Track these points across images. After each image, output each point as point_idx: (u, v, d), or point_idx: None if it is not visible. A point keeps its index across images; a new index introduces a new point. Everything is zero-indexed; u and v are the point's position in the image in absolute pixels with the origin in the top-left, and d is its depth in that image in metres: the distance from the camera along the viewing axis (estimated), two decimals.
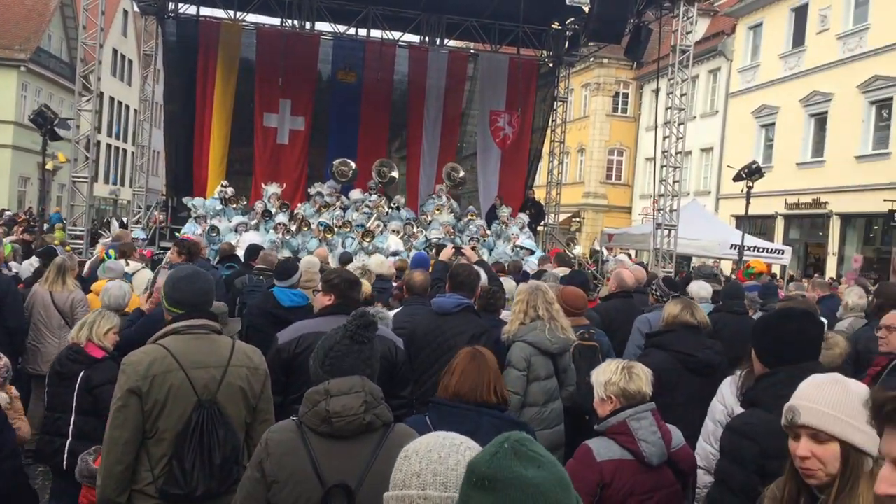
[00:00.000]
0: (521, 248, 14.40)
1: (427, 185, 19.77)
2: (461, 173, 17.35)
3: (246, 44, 19.19)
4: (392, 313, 6.06)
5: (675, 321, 4.86)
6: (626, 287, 6.89)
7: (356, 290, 4.51)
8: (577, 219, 39.90)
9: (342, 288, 4.42)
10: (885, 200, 21.63)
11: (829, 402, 2.18)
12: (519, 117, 20.31)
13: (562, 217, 35.03)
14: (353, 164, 17.54)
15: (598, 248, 22.28)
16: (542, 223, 20.59)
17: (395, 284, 7.74)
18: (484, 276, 6.50)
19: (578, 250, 24.50)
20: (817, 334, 3.07)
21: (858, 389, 2.25)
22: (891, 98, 22.92)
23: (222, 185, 16.10)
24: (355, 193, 16.65)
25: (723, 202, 30.08)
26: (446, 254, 6.86)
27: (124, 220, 23.53)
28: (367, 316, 2.74)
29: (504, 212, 16.74)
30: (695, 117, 32.81)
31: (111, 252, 9.19)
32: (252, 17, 19.70)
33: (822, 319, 6.37)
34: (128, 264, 8.25)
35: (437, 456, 1.78)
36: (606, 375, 3.45)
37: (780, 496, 2.34)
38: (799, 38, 27.49)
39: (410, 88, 20.22)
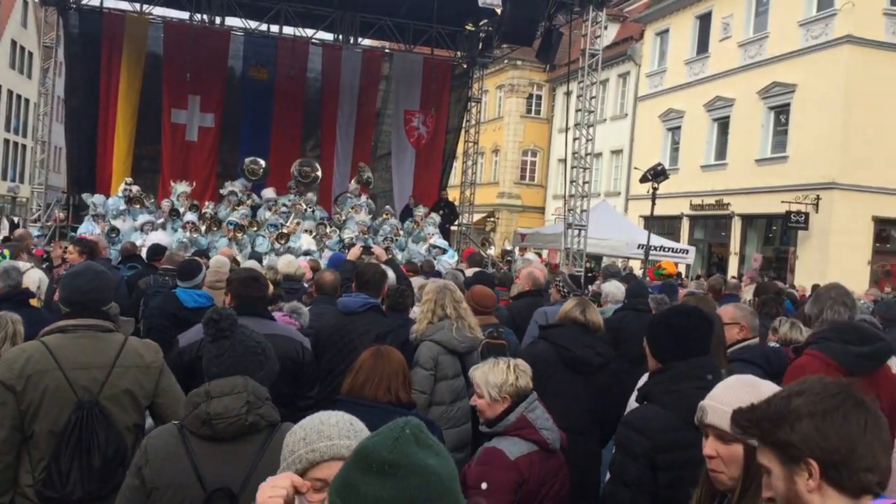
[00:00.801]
0: (435, 247, 14.46)
1: (341, 185, 19.61)
2: (366, 174, 17.30)
3: (152, 37, 18.64)
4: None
5: (566, 317, 4.97)
6: (539, 286, 7.00)
7: (254, 287, 4.41)
8: (492, 219, 40.30)
9: (235, 286, 4.34)
10: (782, 202, 22.61)
11: (735, 403, 2.24)
12: (433, 117, 20.38)
13: (476, 217, 35.36)
14: (263, 163, 17.26)
15: (510, 248, 22.55)
16: (456, 223, 20.72)
17: (306, 285, 7.65)
18: (392, 276, 6.51)
19: (493, 250, 24.74)
20: (707, 330, 3.18)
21: (768, 391, 2.31)
22: (788, 104, 23.98)
23: (126, 183, 15.60)
24: (268, 192, 16.38)
25: (632, 203, 30.87)
26: (354, 253, 6.83)
27: (15, 219, 22.51)
28: (213, 313, 2.70)
29: (418, 212, 16.76)
30: (605, 120, 33.63)
31: (6, 252, 8.77)
32: (159, 11, 19.16)
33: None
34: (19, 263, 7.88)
35: (317, 420, 1.85)
36: (499, 377, 3.43)
37: (696, 498, 2.40)
38: (703, 45, 28.48)
39: (324, 87, 20.02)
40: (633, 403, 3.77)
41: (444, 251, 14.36)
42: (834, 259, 21.47)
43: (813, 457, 1.58)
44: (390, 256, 12.67)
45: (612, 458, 3.09)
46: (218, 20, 19.34)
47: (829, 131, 21.86)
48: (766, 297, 6.72)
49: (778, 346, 4.82)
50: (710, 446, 2.27)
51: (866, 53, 21.74)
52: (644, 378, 3.59)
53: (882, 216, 22.20)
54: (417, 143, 20.51)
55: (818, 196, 22.19)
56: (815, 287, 13.11)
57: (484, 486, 3.18)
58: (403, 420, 1.57)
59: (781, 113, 24.53)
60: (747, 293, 7.51)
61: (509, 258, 20.02)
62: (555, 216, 34.15)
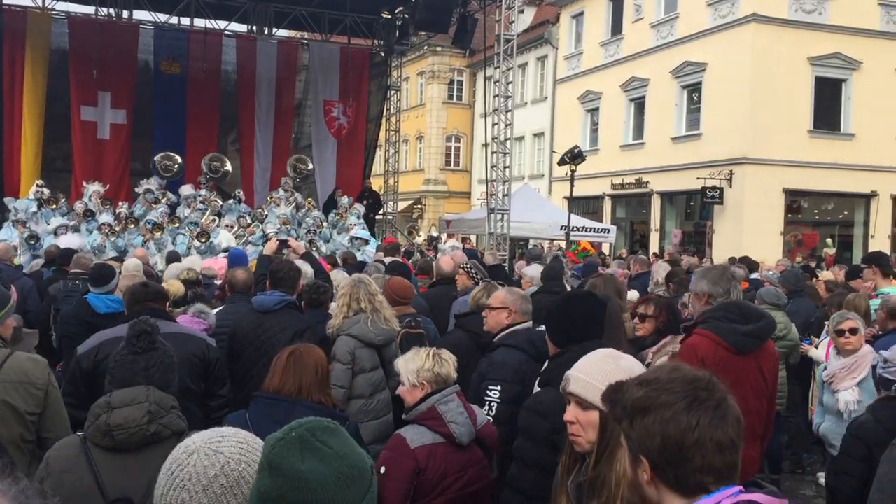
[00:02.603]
0: (357, 238, 14.44)
1: (262, 178, 19.38)
2: (309, 165, 17.13)
3: (57, 33, 18.01)
4: (215, 312, 5.95)
5: (476, 304, 5.07)
6: (444, 274, 7.06)
7: (144, 293, 4.38)
8: (419, 206, 40.39)
9: (129, 298, 4.30)
10: (698, 178, 23.28)
11: (594, 373, 2.37)
12: (353, 107, 20.27)
13: (403, 205, 35.39)
14: (178, 158, 16.92)
15: (436, 234, 22.66)
16: (381, 212, 20.70)
17: (218, 282, 7.57)
18: (309, 270, 6.50)
19: (419, 238, 24.82)
20: (600, 314, 3.30)
21: (628, 364, 2.45)
22: (700, 83, 24.65)
23: (38, 185, 15.10)
24: (186, 189, 16.06)
25: (555, 185, 31.31)
26: (270, 247, 6.77)
27: None
28: (140, 324, 2.69)
29: (341, 202, 16.69)
30: (526, 103, 34.01)
31: None
32: (62, 6, 18.51)
33: (631, 295, 6.83)
34: None
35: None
36: (417, 363, 3.49)
37: (564, 464, 2.52)
38: (617, 27, 29.00)
39: (240, 79, 19.69)
40: (536, 388, 3.88)
41: (367, 242, 14.36)
42: (748, 231, 22.24)
43: (644, 455, 1.60)
44: (310, 250, 12.63)
45: (516, 441, 3.19)
46: (125, 14, 18.80)
47: (739, 108, 22.58)
48: (679, 279, 6.93)
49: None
50: (570, 413, 2.39)
51: (771, 31, 22.50)
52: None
53: (792, 188, 23.07)
54: (338, 134, 20.37)
55: (731, 171, 22.93)
56: (731, 260, 13.59)
57: (382, 470, 3.23)
58: (300, 422, 1.64)
59: (694, 91, 25.20)
60: (658, 272, 7.74)
61: (435, 244, 20.13)
62: (480, 201, 34.43)
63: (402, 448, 3.33)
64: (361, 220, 16.22)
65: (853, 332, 5.17)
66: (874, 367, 5.00)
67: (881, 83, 23.11)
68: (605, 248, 23.56)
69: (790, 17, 22.64)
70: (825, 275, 12.48)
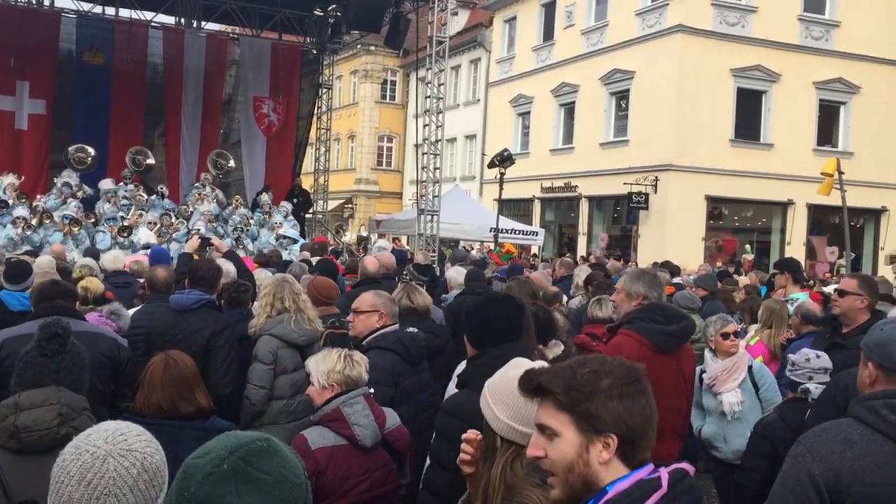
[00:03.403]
0: (285, 237, 14.27)
1: (189, 174, 18.95)
2: (230, 162, 16.80)
3: None
4: (132, 311, 5.80)
5: (401, 307, 5.08)
6: (368, 274, 7.04)
7: (53, 291, 4.24)
8: (350, 205, 40.16)
9: (36, 297, 4.17)
10: (625, 183, 23.76)
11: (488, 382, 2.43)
12: (283, 104, 20.01)
13: (334, 204, 35.09)
14: (91, 151, 16.38)
15: (366, 234, 22.56)
16: (311, 211, 20.50)
17: (140, 281, 7.37)
18: (231, 269, 6.39)
19: (348, 237, 24.68)
20: (518, 316, 3.32)
21: (515, 374, 2.47)
22: (628, 90, 25.17)
23: None
24: (106, 183, 15.61)
25: (486, 187, 31.52)
26: (192, 245, 6.64)
27: None
28: (52, 326, 2.61)
29: (263, 199, 16.45)
30: (458, 105, 34.16)
31: None
32: None
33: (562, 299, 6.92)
34: None
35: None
36: (328, 364, 3.47)
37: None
38: (549, 33, 29.39)
39: (167, 72, 19.21)
40: (452, 389, 3.90)
41: (295, 241, 14.20)
42: (672, 236, 22.79)
43: (616, 432, 1.71)
44: (236, 248, 12.43)
45: (432, 443, 3.20)
46: (47, 1, 18.16)
47: (665, 116, 23.14)
48: (598, 282, 7.10)
49: (416, 330, 4.78)
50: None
51: (696, 42, 23.12)
52: (462, 365, 3.72)
53: (714, 195, 23.76)
54: (268, 131, 20.08)
55: (656, 177, 23.46)
56: (654, 264, 13.92)
57: None
58: (232, 447, 1.41)
59: (622, 98, 25.72)
60: (579, 275, 7.89)
61: (366, 245, 20.04)
62: (412, 201, 34.43)
63: (302, 449, 3.30)
64: (292, 219, 16.04)
65: (736, 335, 5.34)
66: (750, 368, 5.27)
67: (799, 96, 24.00)
68: (535, 251, 23.85)
69: (714, 29, 23.31)
70: (743, 280, 12.90)
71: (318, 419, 3.42)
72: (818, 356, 4.41)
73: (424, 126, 16.49)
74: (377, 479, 3.41)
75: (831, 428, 2.54)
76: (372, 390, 3.64)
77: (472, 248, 21.03)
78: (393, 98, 40.64)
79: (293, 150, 20.64)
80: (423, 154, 16.48)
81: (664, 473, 1.70)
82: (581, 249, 26.33)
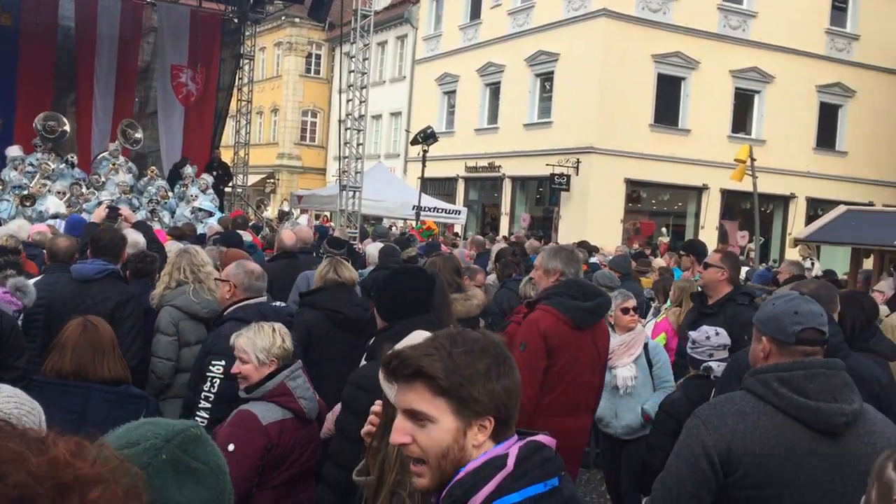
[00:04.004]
0: (201, 209, 13.92)
1: (101, 143, 18.18)
2: (138, 132, 16.22)
3: None
4: (32, 282, 5.55)
5: (324, 279, 5.00)
6: (285, 248, 6.94)
7: None
8: (272, 180, 39.48)
9: None
10: (547, 165, 24.03)
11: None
12: (202, 74, 19.42)
13: (255, 178, 34.48)
14: None
15: (287, 209, 22.23)
16: (230, 184, 20.06)
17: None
18: (141, 240, 6.19)
19: (269, 212, 24.28)
20: (428, 289, 3.32)
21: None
22: (552, 72, 25.40)
23: None
24: (13, 150, 14.87)
25: (410, 165, 31.43)
26: (98, 215, 6.39)
27: None
28: None
29: (186, 172, 16.00)
30: (384, 82, 33.87)
31: None
32: None
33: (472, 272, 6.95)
34: None
35: None
36: (265, 340, 3.43)
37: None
38: (476, 12, 29.37)
39: (79, 36, 18.38)
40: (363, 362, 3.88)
41: (212, 214, 13.88)
42: (592, 218, 23.19)
43: (494, 415, 1.64)
44: (152, 220, 12.06)
45: (339, 415, 3.17)
46: None
47: (587, 99, 23.46)
48: (505, 260, 7.21)
49: (282, 304, 4.87)
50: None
51: (619, 27, 23.46)
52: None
53: (633, 178, 24.26)
54: (186, 101, 19.47)
55: (578, 160, 23.79)
56: (579, 244, 14.16)
57: (231, 447, 3.18)
58: (167, 435, 1.29)
59: (546, 80, 25.94)
60: (496, 253, 7.95)
61: (287, 220, 19.70)
62: (335, 178, 34.09)
63: (254, 425, 3.29)
64: (211, 192, 15.64)
65: (636, 310, 5.45)
66: (646, 346, 5.39)
67: (716, 83, 24.66)
68: (458, 230, 23.93)
69: (637, 15, 23.69)
70: (657, 261, 13.21)
71: (262, 395, 3.37)
72: (717, 333, 4.52)
73: (348, 101, 16.30)
74: (314, 450, 3.46)
75: (725, 401, 2.61)
76: (300, 363, 3.60)
77: (395, 226, 20.99)
78: (318, 72, 40.01)
79: (212, 122, 20.08)
80: (347, 130, 16.29)
81: (514, 449, 1.63)
82: (504, 229, 26.54)
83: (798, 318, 2.60)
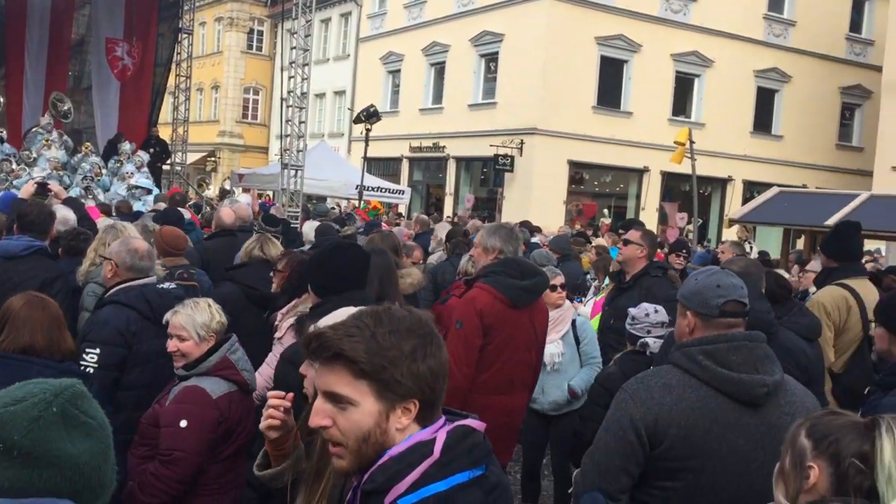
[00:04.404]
0: (137, 187, 13.60)
1: (32, 118, 17.58)
2: (67, 105, 15.71)
3: None
4: None
5: (248, 255, 4.97)
6: (224, 226, 6.84)
7: None
8: (213, 158, 38.77)
9: None
10: (491, 146, 24.09)
11: None
12: (139, 48, 18.90)
13: (196, 157, 33.83)
14: None
15: (228, 188, 21.85)
16: (168, 162, 19.63)
17: None
18: (71, 217, 6.03)
19: (210, 191, 23.85)
20: (362, 265, 3.30)
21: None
22: (497, 52, 25.40)
23: None
24: None
25: (355, 144, 31.19)
26: (27, 191, 6.21)
27: None
28: None
29: (123, 149, 15.58)
30: (328, 60, 33.47)
31: None
32: None
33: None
34: None
35: None
36: (204, 316, 3.41)
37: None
38: None
39: (8, 7, 17.69)
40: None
41: (149, 191, 13.56)
42: (535, 199, 23.36)
43: (419, 397, 1.59)
44: (86, 197, 11.74)
45: (270, 392, 3.15)
46: None
47: (531, 80, 23.54)
48: (456, 240, 7.22)
49: (171, 286, 4.64)
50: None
51: (564, 8, 23.56)
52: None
53: (576, 160, 24.49)
54: (122, 75, 18.93)
55: (522, 141, 23.91)
56: (521, 223, 14.24)
57: (183, 423, 3.19)
58: (55, 390, 1.32)
59: (491, 61, 25.94)
60: (440, 231, 7.97)
61: (229, 199, 19.34)
62: (278, 157, 33.63)
63: (205, 399, 3.29)
64: (146, 170, 15.27)
65: (563, 287, 5.42)
66: (574, 322, 5.41)
67: (657, 67, 24.98)
68: (402, 210, 23.85)
69: None
70: (598, 241, 13.38)
71: (206, 370, 3.35)
72: (656, 311, 4.59)
73: (290, 78, 16.05)
74: (254, 420, 3.43)
75: (652, 375, 2.66)
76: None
77: (341, 205, 20.83)
78: (260, 49, 39.30)
79: (150, 98, 19.58)
80: (288, 108, 16.04)
81: (441, 435, 1.58)
82: (448, 210, 26.57)
83: (720, 290, 2.66)
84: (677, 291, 2.89)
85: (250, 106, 39.49)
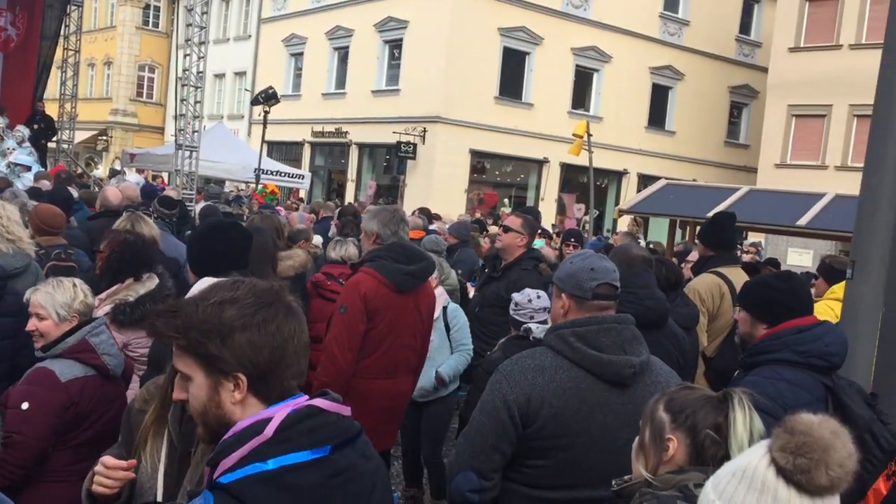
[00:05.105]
0: (17, 164, 12.93)
1: None
2: None
3: None
4: None
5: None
6: (109, 206, 6.60)
7: None
8: (105, 137, 37.23)
9: None
10: (394, 133, 24.03)
11: None
12: (23, 18, 17.93)
13: (86, 135, 32.43)
14: None
15: (119, 168, 21.03)
16: (55, 139, 18.74)
17: None
18: None
19: (99, 170, 22.90)
20: (243, 245, 3.25)
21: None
22: (401, 39, 25.31)
23: None
24: None
25: (255, 127, 30.47)
26: None
27: None
28: None
29: (2, 124, 14.77)
30: (228, 40, 32.63)
31: None
32: None
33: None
34: None
35: None
36: (66, 295, 3.27)
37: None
38: None
39: None
40: None
41: (29, 168, 12.91)
42: (437, 187, 23.46)
43: (243, 372, 1.58)
44: None
45: (144, 372, 3.07)
46: None
47: (435, 68, 23.58)
48: (345, 219, 7.19)
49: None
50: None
51: None
52: None
53: (477, 149, 24.70)
54: (5, 47, 17.95)
55: (425, 128, 23.95)
56: (420, 210, 14.28)
57: (25, 405, 3.03)
58: None
59: (395, 47, 25.82)
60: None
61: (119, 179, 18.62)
62: (174, 137, 32.62)
63: (51, 382, 3.13)
64: (28, 146, 14.52)
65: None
66: (445, 309, 5.36)
67: (558, 60, 25.44)
68: (303, 195, 23.54)
69: None
70: (493, 230, 13.56)
71: (61, 352, 3.21)
72: (539, 296, 4.67)
73: (185, 56, 15.55)
74: (119, 406, 3.28)
75: (526, 356, 2.72)
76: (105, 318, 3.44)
77: (240, 189, 20.38)
78: (157, 25, 37.92)
79: (35, 72, 18.63)
80: (183, 86, 15.56)
81: (280, 414, 1.56)
82: (350, 196, 26.38)
83: (594, 274, 2.73)
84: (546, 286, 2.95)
85: (145, 84, 38.09)
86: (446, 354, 5.25)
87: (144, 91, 38.08)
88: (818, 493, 1.43)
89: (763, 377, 2.87)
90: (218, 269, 3.13)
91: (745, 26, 30.04)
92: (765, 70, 26.57)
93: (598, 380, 2.59)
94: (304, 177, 20.82)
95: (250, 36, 32.36)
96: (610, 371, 2.58)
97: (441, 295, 5.35)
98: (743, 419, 1.88)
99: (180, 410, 2.61)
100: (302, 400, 1.61)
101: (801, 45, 24.14)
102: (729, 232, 5.59)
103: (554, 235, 15.32)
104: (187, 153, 15.51)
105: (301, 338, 1.64)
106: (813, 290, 6.42)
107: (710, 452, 1.91)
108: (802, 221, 8.00)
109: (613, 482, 2.13)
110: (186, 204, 11.76)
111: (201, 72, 15.84)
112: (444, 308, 5.34)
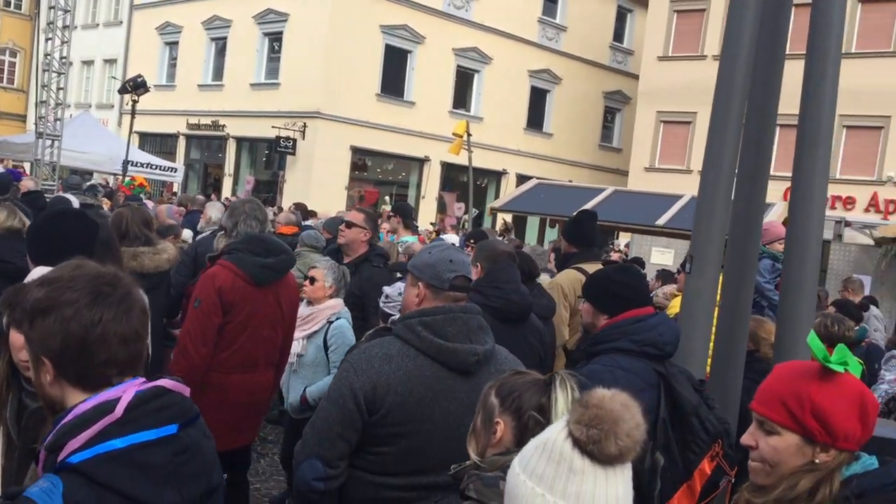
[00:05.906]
0: None
1: None
2: None
3: None
4: None
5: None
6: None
7: None
8: None
9: None
10: (273, 127, 23.60)
11: None
12: None
13: None
14: None
15: None
16: None
17: None
18: None
19: None
20: (88, 233, 3.11)
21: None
22: (281, 32, 24.88)
23: None
24: None
25: (126, 117, 29.22)
26: None
27: None
28: None
29: None
30: (98, 25, 31.21)
31: None
32: None
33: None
34: None
35: None
36: None
37: None
38: None
39: None
40: None
41: None
42: (317, 183, 23.21)
43: (45, 356, 1.59)
44: None
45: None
46: None
47: (316, 63, 23.33)
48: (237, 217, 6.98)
49: None
50: None
51: None
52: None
53: (359, 146, 24.61)
54: None
55: (305, 124, 23.66)
56: (296, 206, 14.10)
57: None
58: None
59: (275, 40, 25.38)
60: (211, 210, 7.72)
61: None
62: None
63: None
64: None
65: (314, 280, 4.89)
66: (330, 322, 4.81)
67: (440, 59, 25.69)
68: (176, 189, 22.79)
69: None
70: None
71: None
72: None
73: (47, 40, 14.76)
74: None
75: (374, 345, 2.75)
76: None
77: (107, 181, 19.54)
78: (19, 7, 35.78)
79: None
80: (44, 72, 14.76)
81: (128, 394, 1.58)
82: (227, 191, 25.73)
83: (452, 265, 2.80)
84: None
85: (6, 69, 35.89)
86: (324, 373, 4.75)
87: (5, 76, 35.87)
88: (609, 462, 1.53)
89: (602, 365, 3.01)
90: (57, 258, 3.00)
91: (618, 34, 31.22)
92: (636, 77, 27.71)
93: (443, 367, 2.64)
94: (176, 170, 20.18)
95: (121, 22, 31.02)
96: (454, 359, 2.64)
97: (327, 308, 4.84)
98: (564, 399, 1.95)
99: (17, 407, 2.54)
100: (137, 382, 1.62)
101: (670, 55, 25.35)
102: (590, 230, 5.79)
103: (433, 233, 15.48)
104: (49, 142, 14.73)
105: (114, 326, 1.59)
106: (675, 286, 6.77)
107: (535, 433, 1.98)
108: (661, 221, 8.41)
109: (451, 467, 2.19)
110: (46, 196, 11.19)
111: (65, 57, 15.07)
112: (329, 322, 4.81)
